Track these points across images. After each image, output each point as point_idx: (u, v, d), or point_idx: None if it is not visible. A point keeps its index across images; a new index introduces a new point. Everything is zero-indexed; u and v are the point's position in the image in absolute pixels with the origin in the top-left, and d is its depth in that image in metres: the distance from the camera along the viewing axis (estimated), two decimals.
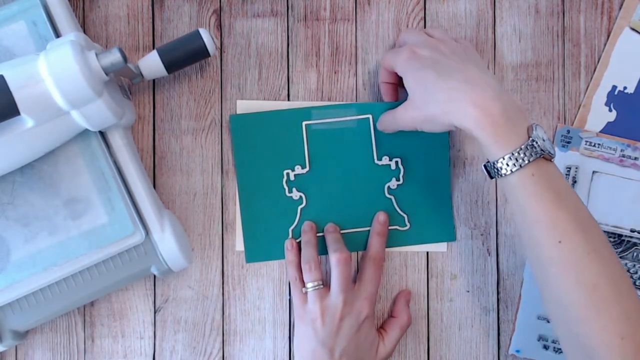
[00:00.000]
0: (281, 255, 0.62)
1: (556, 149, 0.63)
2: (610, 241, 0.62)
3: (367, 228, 0.62)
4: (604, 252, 0.48)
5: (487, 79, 0.51)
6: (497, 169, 0.48)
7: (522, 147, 0.48)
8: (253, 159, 0.62)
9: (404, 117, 0.55)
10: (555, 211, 0.48)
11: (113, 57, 0.50)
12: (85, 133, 0.54)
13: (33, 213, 0.54)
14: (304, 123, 0.61)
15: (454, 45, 0.55)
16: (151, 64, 0.56)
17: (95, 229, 0.54)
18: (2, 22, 0.53)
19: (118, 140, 0.56)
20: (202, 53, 0.56)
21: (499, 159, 0.48)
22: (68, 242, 0.54)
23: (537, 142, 0.48)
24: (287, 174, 0.62)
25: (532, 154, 0.48)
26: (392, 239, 0.62)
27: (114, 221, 0.54)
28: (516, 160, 0.48)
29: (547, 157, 0.48)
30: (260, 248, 0.62)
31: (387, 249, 0.62)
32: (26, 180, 0.54)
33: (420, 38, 0.57)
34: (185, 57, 0.56)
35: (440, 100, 0.51)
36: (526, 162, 0.48)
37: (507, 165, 0.48)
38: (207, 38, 0.56)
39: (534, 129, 0.49)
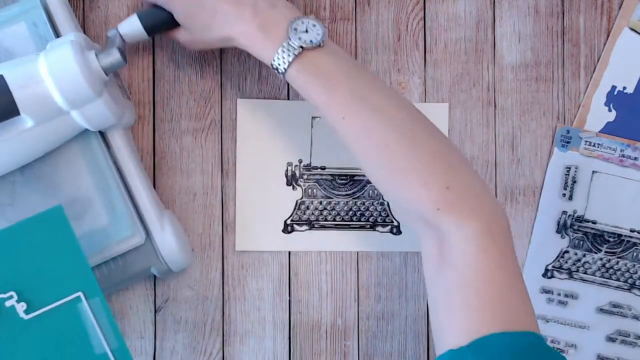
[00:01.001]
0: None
1: (555, 149, 0.63)
2: (610, 241, 0.63)
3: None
4: (386, 109, 0.51)
5: None
6: (275, 69, 0.51)
7: (279, 50, 0.51)
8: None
9: (182, 41, 0.57)
10: (328, 95, 0.51)
11: (113, 57, 0.50)
12: (85, 133, 0.54)
13: (33, 213, 0.54)
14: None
15: None
16: (131, 27, 0.56)
17: (95, 230, 0.54)
18: (3, 23, 0.53)
19: (118, 141, 0.56)
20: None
21: (270, 63, 0.52)
22: None
23: (292, 41, 0.50)
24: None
25: (290, 53, 0.50)
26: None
27: (114, 222, 0.54)
28: (281, 61, 0.51)
29: (312, 47, 0.51)
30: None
31: (386, 250, 0.62)
32: (26, 181, 0.54)
33: None
34: (165, 19, 0.56)
35: (203, 26, 0.54)
36: (288, 61, 0.51)
37: (279, 65, 0.51)
38: None
39: (290, 28, 0.51)
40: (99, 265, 0.55)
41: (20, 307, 0.48)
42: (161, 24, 0.56)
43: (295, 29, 0.51)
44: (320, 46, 0.51)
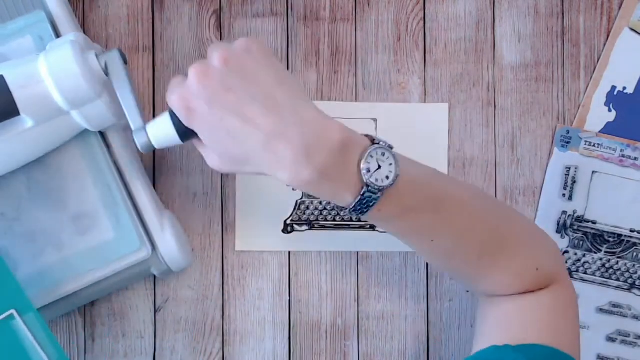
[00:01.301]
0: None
1: (555, 149, 0.63)
2: (610, 241, 0.62)
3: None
4: (475, 224, 0.49)
5: (283, 121, 0.43)
6: (350, 214, 0.46)
7: (356, 201, 0.44)
8: None
9: (211, 166, 0.49)
10: (413, 225, 0.47)
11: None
12: (88, 140, 0.54)
13: (40, 229, 0.53)
14: None
15: (233, 64, 0.44)
16: (163, 128, 0.50)
17: (101, 245, 0.54)
18: (9, 36, 0.53)
19: (118, 141, 0.56)
20: None
21: (345, 209, 0.45)
22: (75, 258, 0.54)
23: (370, 187, 0.44)
24: None
25: (370, 200, 0.44)
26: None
27: (120, 237, 0.54)
28: (358, 208, 0.45)
29: (389, 186, 0.44)
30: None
31: (386, 250, 0.62)
32: (33, 196, 0.54)
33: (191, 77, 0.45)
34: None
35: (235, 159, 0.46)
36: (368, 209, 0.45)
37: (357, 212, 0.45)
38: None
39: (362, 170, 0.44)
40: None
41: None
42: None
43: (368, 170, 0.44)
44: (397, 177, 0.45)
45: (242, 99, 0.43)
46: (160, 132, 0.49)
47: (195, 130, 0.47)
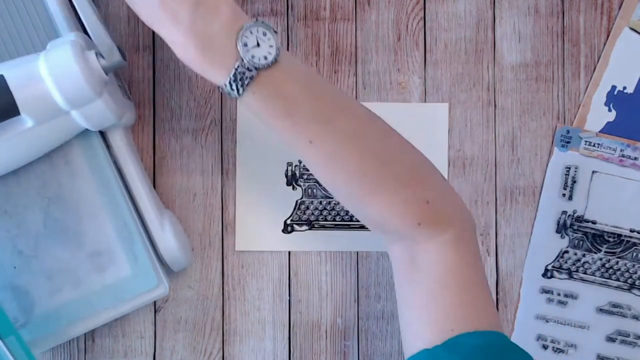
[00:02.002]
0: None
1: (555, 149, 0.63)
2: (609, 241, 0.63)
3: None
4: (357, 131, 0.47)
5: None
6: (228, 94, 0.46)
7: (230, 76, 0.44)
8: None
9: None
10: (289, 118, 0.46)
11: (113, 57, 0.50)
12: (102, 174, 0.54)
13: (57, 266, 0.53)
14: None
15: None
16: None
17: (119, 282, 0.54)
18: None
19: (118, 140, 0.56)
20: None
21: (221, 87, 0.45)
22: (92, 295, 0.54)
23: (244, 65, 0.44)
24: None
25: (244, 77, 0.44)
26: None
27: (137, 274, 0.54)
28: (233, 86, 0.45)
29: (266, 67, 0.45)
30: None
31: (386, 250, 0.62)
32: (50, 233, 0.53)
33: None
34: None
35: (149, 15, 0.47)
36: (242, 87, 0.45)
37: (232, 90, 0.45)
38: None
39: (239, 43, 0.44)
40: None
41: None
42: None
43: (245, 44, 0.44)
44: (276, 62, 0.45)
45: None
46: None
47: None
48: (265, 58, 0.44)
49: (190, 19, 0.44)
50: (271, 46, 0.45)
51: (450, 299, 0.47)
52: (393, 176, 0.48)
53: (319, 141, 0.47)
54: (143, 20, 0.47)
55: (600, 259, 0.63)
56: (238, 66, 0.44)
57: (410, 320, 0.49)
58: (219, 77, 0.45)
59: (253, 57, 0.44)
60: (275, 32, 0.46)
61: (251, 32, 0.45)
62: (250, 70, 0.44)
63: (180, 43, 0.45)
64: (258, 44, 0.45)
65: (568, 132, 0.63)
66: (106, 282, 0.54)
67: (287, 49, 0.63)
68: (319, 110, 0.47)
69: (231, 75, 0.44)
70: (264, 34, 0.45)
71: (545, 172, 0.63)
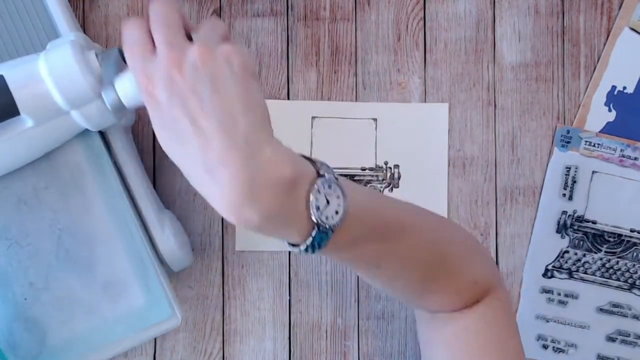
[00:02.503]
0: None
1: (555, 149, 0.63)
2: (610, 241, 0.63)
3: None
4: (417, 250, 0.47)
5: (234, 147, 0.39)
6: (300, 253, 0.44)
7: (308, 244, 0.41)
8: None
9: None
10: (358, 256, 0.45)
11: (113, 57, 0.50)
12: (104, 175, 0.54)
13: (69, 296, 0.53)
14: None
15: (202, 74, 0.40)
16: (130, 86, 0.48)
17: (132, 312, 0.53)
18: None
19: (118, 141, 0.56)
20: None
21: (296, 248, 0.42)
22: (104, 326, 0.53)
23: (321, 227, 0.40)
24: None
25: (323, 239, 0.41)
26: None
27: (151, 304, 0.53)
28: (309, 250, 0.41)
29: (341, 223, 0.41)
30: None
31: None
32: (62, 264, 0.53)
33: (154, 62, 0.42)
34: None
35: (180, 163, 0.42)
36: (320, 249, 0.42)
37: (307, 253, 0.42)
38: None
39: (312, 208, 0.40)
40: None
41: None
42: None
43: (318, 208, 0.40)
44: (341, 223, 0.41)
45: (204, 108, 0.39)
46: (129, 89, 0.47)
47: (148, 111, 0.42)
48: (337, 213, 0.41)
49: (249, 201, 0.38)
50: (338, 197, 0.41)
51: (481, 346, 0.50)
52: (446, 273, 0.49)
53: (385, 266, 0.46)
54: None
55: (601, 259, 0.63)
56: (316, 234, 0.41)
57: None
58: (295, 240, 0.42)
59: (327, 218, 0.40)
60: (337, 177, 0.42)
61: (319, 192, 0.40)
62: (327, 233, 0.41)
63: (236, 216, 0.40)
64: (327, 202, 0.41)
65: (568, 132, 0.63)
66: (119, 312, 0.53)
67: (287, 49, 0.63)
68: (384, 241, 0.45)
69: (308, 243, 0.41)
70: (330, 187, 0.41)
71: (545, 172, 0.63)
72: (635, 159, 0.62)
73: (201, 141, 0.39)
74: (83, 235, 0.53)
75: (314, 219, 0.40)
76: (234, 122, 0.39)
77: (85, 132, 0.54)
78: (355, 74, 0.63)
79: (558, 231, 0.63)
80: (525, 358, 0.51)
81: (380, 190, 0.63)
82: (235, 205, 0.38)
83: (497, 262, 0.63)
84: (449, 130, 0.63)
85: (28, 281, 0.52)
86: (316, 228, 0.40)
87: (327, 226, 0.40)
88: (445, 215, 0.63)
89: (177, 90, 0.40)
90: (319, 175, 0.42)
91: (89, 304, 0.53)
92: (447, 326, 0.51)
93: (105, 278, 0.53)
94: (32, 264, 0.53)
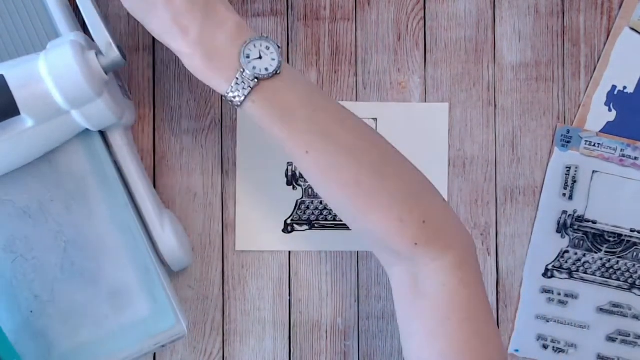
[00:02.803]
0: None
1: (555, 149, 0.63)
2: (610, 241, 0.62)
3: None
4: (354, 144, 0.48)
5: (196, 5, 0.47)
6: (230, 102, 0.48)
7: (232, 84, 0.47)
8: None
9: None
10: (287, 128, 0.47)
11: (113, 56, 0.50)
12: (117, 206, 0.54)
13: (75, 308, 0.53)
14: None
15: None
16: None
17: (137, 322, 0.53)
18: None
19: (118, 140, 0.56)
20: None
21: (224, 95, 0.48)
22: (110, 337, 0.53)
23: (244, 73, 0.46)
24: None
25: (245, 85, 0.47)
26: None
27: (156, 313, 0.53)
28: (235, 94, 0.47)
29: (267, 77, 0.47)
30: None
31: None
32: (67, 278, 0.53)
33: None
34: None
35: (142, 15, 0.49)
36: (243, 95, 0.47)
37: (234, 98, 0.47)
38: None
39: (242, 54, 0.47)
40: None
41: None
42: None
43: (248, 56, 0.47)
44: (277, 74, 0.47)
45: None
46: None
47: None
48: (267, 69, 0.47)
49: (198, 32, 0.47)
50: (273, 59, 0.47)
51: (454, 328, 0.47)
52: (388, 192, 0.48)
53: (314, 152, 0.48)
54: (153, 33, 0.49)
55: (601, 259, 0.63)
56: (239, 75, 0.47)
57: (413, 348, 0.49)
58: (222, 85, 0.47)
59: (254, 67, 0.47)
60: (279, 47, 0.48)
61: (254, 46, 0.47)
62: (251, 80, 0.47)
63: (188, 54, 0.47)
64: (260, 57, 0.47)
65: (568, 132, 0.63)
66: (125, 322, 0.53)
67: (288, 49, 0.63)
68: (316, 122, 0.48)
69: (232, 84, 0.47)
70: (267, 48, 0.47)
71: (546, 172, 0.63)
72: (636, 158, 0.62)
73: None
74: (88, 247, 0.53)
75: (242, 64, 0.46)
76: None
77: (85, 132, 0.54)
78: (356, 74, 0.63)
79: (558, 231, 0.63)
80: (497, 335, 0.49)
81: None
82: (189, 39, 0.47)
83: (496, 262, 0.63)
84: (449, 130, 0.63)
85: (33, 294, 0.52)
86: (240, 71, 0.46)
87: (252, 74, 0.46)
88: None
89: None
90: (262, 35, 0.48)
91: (95, 315, 0.53)
92: (420, 299, 0.49)
93: (110, 289, 0.53)
94: (38, 277, 0.53)
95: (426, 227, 0.48)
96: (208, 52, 0.47)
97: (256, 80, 0.47)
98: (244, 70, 0.47)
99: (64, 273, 0.53)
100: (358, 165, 0.48)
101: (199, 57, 0.47)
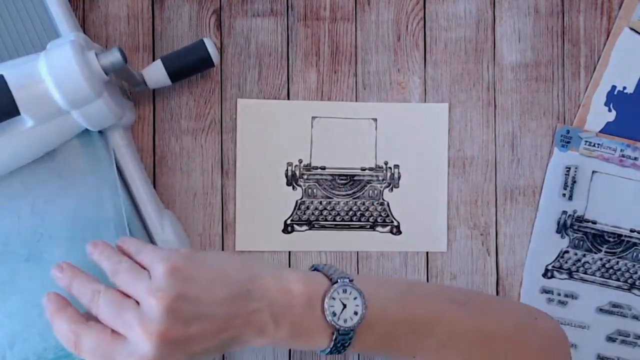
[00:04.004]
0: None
1: (556, 149, 0.63)
2: (610, 241, 0.62)
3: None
4: (455, 333, 0.46)
5: (247, 296, 0.43)
6: (337, 353, 0.45)
7: (331, 347, 0.44)
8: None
9: None
10: (390, 349, 0.45)
11: (113, 57, 0.50)
12: (91, 142, 0.54)
13: None
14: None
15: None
16: (155, 73, 0.56)
17: None
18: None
19: (118, 140, 0.56)
20: (206, 63, 0.57)
21: (322, 354, 0.45)
22: None
23: (340, 330, 0.43)
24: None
25: (345, 342, 0.44)
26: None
27: None
28: (336, 350, 0.44)
29: (360, 323, 0.44)
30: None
31: (386, 250, 0.62)
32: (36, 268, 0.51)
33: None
34: (189, 66, 0.57)
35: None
36: (344, 349, 0.44)
37: (332, 354, 0.44)
38: (212, 48, 0.56)
39: (328, 314, 0.43)
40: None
41: None
42: (186, 71, 0.57)
43: (334, 314, 0.43)
44: (365, 308, 0.44)
45: (200, 305, 0.41)
46: (153, 74, 0.56)
47: None
48: (356, 314, 0.44)
49: (274, 328, 0.43)
50: (355, 298, 0.44)
51: None
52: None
53: (421, 354, 0.46)
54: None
55: (601, 259, 0.63)
56: (336, 337, 0.43)
57: None
58: (317, 348, 0.45)
59: (345, 321, 0.43)
60: (351, 279, 0.45)
61: (333, 299, 0.44)
62: (348, 334, 0.43)
63: (274, 344, 0.44)
64: (344, 305, 0.44)
65: (568, 132, 0.63)
66: None
67: (287, 49, 0.63)
68: (415, 333, 0.46)
69: (331, 346, 0.44)
70: (345, 291, 0.44)
71: (545, 172, 0.63)
72: (635, 159, 0.62)
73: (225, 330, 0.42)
74: (64, 239, 0.52)
75: (331, 323, 0.43)
76: (228, 278, 0.43)
77: (85, 132, 0.54)
78: (355, 74, 0.63)
79: (558, 231, 0.63)
80: None
81: (381, 191, 0.63)
82: (269, 335, 0.43)
83: (496, 262, 0.63)
84: (449, 130, 0.63)
85: None
86: (336, 332, 0.43)
87: (346, 329, 0.43)
88: (445, 216, 0.63)
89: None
90: (332, 282, 0.44)
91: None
92: None
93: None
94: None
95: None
96: (292, 334, 0.43)
97: (352, 332, 0.43)
98: (337, 331, 0.43)
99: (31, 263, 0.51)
100: (467, 351, 0.47)
101: (285, 342, 0.44)
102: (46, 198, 0.53)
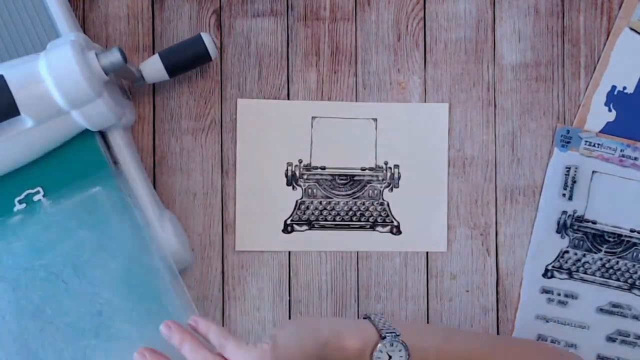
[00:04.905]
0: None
1: (556, 149, 0.63)
2: (610, 241, 0.62)
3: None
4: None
5: None
6: None
7: None
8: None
9: None
10: None
11: (113, 57, 0.50)
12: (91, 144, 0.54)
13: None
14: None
15: None
16: (153, 67, 0.56)
17: None
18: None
19: (118, 140, 0.56)
20: (204, 57, 0.57)
21: None
22: None
23: None
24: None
25: None
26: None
27: None
28: None
29: None
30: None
31: (386, 250, 0.62)
32: (101, 344, 0.50)
33: None
34: (187, 61, 0.57)
35: None
36: None
37: None
38: (209, 42, 0.56)
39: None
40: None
41: (46, 201, 0.52)
42: (184, 65, 0.57)
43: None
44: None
45: None
46: (151, 68, 0.56)
47: None
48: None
49: None
50: (400, 350, 0.49)
51: None
52: None
53: None
54: None
55: (601, 259, 0.63)
56: None
57: None
58: None
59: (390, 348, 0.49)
60: (397, 334, 0.49)
61: (381, 351, 0.49)
62: None
63: None
64: (390, 357, 0.49)
65: (568, 132, 0.63)
66: None
67: (287, 49, 0.63)
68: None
69: None
70: (392, 345, 0.49)
71: (545, 172, 0.63)
72: (635, 159, 0.62)
73: None
74: (125, 308, 0.51)
75: None
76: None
77: (85, 132, 0.54)
78: (355, 74, 0.63)
79: (558, 231, 0.63)
80: None
81: (381, 191, 0.63)
82: None
83: (496, 262, 0.63)
84: (449, 130, 0.63)
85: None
86: None
87: None
88: (445, 216, 0.63)
89: None
90: (382, 337, 0.49)
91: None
92: None
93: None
94: (67, 346, 0.50)
95: None
96: None
97: None
98: None
99: (98, 340, 0.50)
100: None
101: None
102: (82, 255, 0.51)
